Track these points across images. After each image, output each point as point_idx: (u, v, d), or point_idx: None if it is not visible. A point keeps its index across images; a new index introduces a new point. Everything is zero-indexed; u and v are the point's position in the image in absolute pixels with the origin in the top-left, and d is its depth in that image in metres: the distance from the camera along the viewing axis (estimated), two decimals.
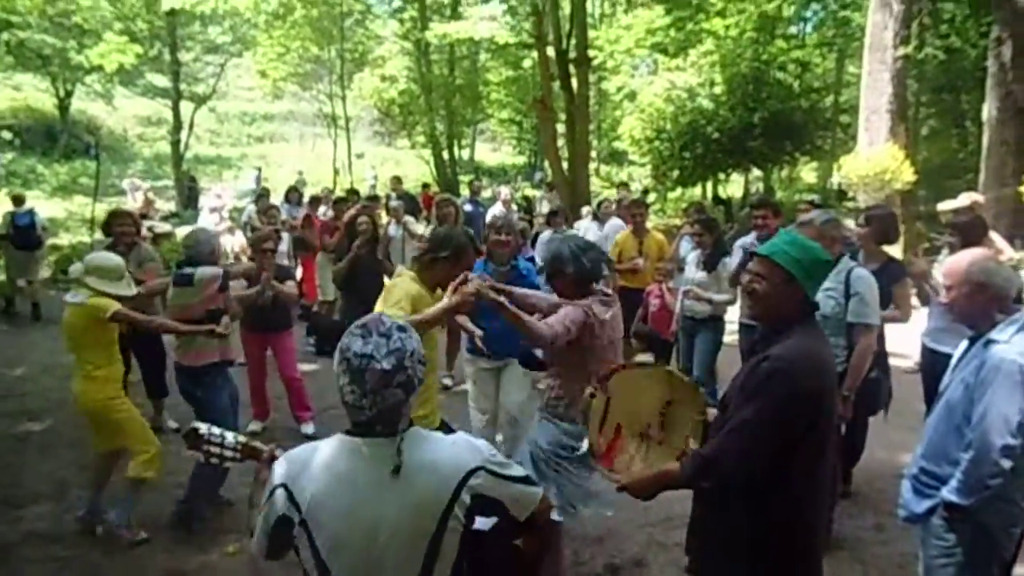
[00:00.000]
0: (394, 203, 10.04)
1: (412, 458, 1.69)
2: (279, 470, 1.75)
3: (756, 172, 23.95)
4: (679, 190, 22.89)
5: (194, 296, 4.43)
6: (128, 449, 4.29)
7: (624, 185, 10.84)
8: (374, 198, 10.23)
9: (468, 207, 9.65)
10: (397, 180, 13.77)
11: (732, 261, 5.73)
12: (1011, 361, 2.49)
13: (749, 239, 5.75)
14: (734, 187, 25.40)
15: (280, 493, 1.71)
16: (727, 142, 19.41)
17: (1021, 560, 3.35)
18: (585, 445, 2.59)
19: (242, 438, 2.03)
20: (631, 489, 2.40)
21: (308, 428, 5.93)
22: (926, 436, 2.80)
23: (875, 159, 11.31)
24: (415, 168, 28.20)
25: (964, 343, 2.81)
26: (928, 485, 2.71)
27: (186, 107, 23.33)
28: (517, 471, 1.88)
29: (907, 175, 11.19)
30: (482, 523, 1.90)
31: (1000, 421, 2.46)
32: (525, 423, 4.28)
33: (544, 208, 13.47)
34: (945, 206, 6.74)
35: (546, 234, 7.89)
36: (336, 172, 26.21)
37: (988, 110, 11.18)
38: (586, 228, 8.93)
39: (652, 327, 6.44)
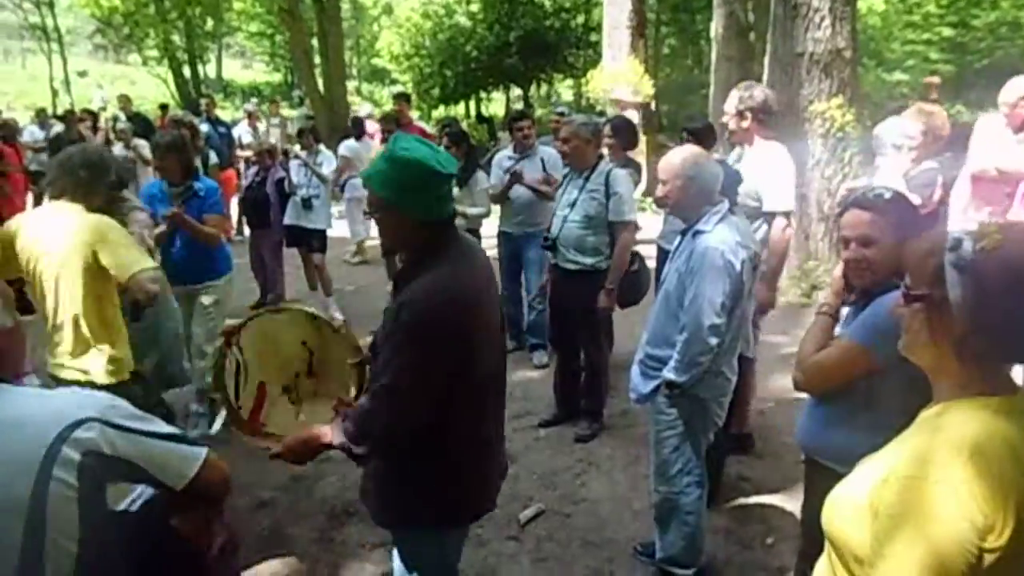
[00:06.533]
0: (122, 124, 8.93)
1: None
2: None
3: (517, 91, 24.44)
4: (442, 108, 22.79)
5: None
6: None
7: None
8: (65, 115, 8.49)
9: (204, 127, 8.71)
10: (125, 99, 12.28)
11: (487, 177, 5.84)
12: (714, 249, 2.70)
13: (507, 152, 5.82)
14: (496, 105, 25.78)
15: None
16: (486, 60, 19.52)
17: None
18: (222, 416, 2.31)
19: None
20: (286, 456, 2.08)
21: None
22: (650, 324, 3.02)
23: (618, 73, 11.91)
24: (153, 87, 25.36)
25: (679, 237, 3.00)
26: (652, 368, 2.94)
27: None
28: (160, 426, 1.56)
29: (647, 88, 11.94)
30: (139, 492, 1.61)
31: (707, 304, 2.69)
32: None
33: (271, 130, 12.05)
34: None
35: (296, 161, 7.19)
36: (55, 93, 22.87)
37: (715, 28, 12.08)
38: (349, 147, 8.60)
39: None
